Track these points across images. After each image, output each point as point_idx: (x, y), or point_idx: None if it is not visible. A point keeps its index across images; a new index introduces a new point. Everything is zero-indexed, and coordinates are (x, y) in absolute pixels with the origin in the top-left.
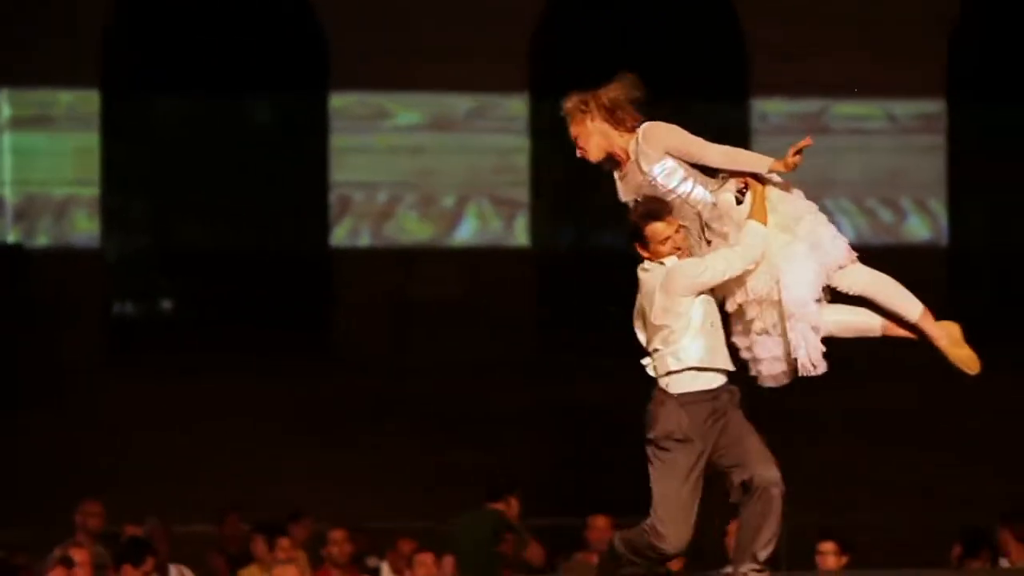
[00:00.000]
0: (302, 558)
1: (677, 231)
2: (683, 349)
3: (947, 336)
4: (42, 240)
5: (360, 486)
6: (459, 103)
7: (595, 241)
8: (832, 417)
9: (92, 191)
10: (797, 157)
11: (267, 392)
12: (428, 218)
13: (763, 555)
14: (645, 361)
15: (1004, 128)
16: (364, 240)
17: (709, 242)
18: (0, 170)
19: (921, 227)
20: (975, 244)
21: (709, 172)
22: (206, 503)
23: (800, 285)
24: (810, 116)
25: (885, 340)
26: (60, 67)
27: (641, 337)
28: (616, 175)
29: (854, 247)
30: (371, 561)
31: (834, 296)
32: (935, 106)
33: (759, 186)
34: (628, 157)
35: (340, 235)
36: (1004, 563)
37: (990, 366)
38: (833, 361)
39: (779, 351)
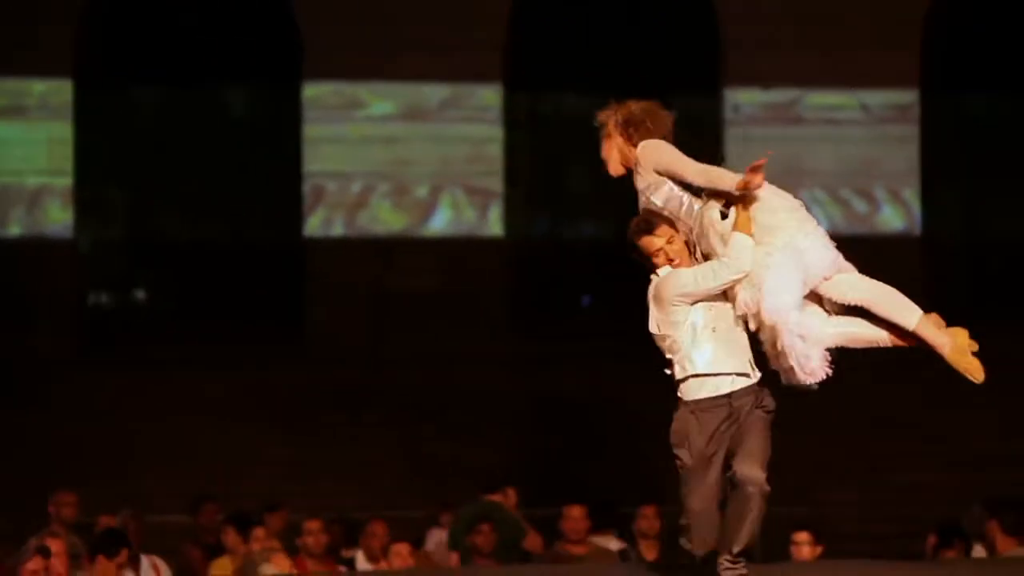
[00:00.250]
0: (277, 548)
1: (669, 242)
2: (687, 357)
3: (951, 344)
4: (15, 230)
5: (336, 477)
6: (433, 93)
7: (569, 230)
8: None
9: (65, 181)
10: (754, 176)
11: (242, 383)
12: (402, 208)
13: (736, 548)
14: (668, 370)
15: (977, 118)
16: (338, 230)
17: (706, 256)
18: None
19: (895, 217)
20: (948, 234)
21: (696, 190)
22: (182, 494)
23: (776, 294)
24: (783, 106)
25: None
26: (33, 57)
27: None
28: None
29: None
30: (346, 552)
31: (841, 308)
32: (908, 96)
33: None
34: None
35: (314, 225)
36: (978, 551)
37: None
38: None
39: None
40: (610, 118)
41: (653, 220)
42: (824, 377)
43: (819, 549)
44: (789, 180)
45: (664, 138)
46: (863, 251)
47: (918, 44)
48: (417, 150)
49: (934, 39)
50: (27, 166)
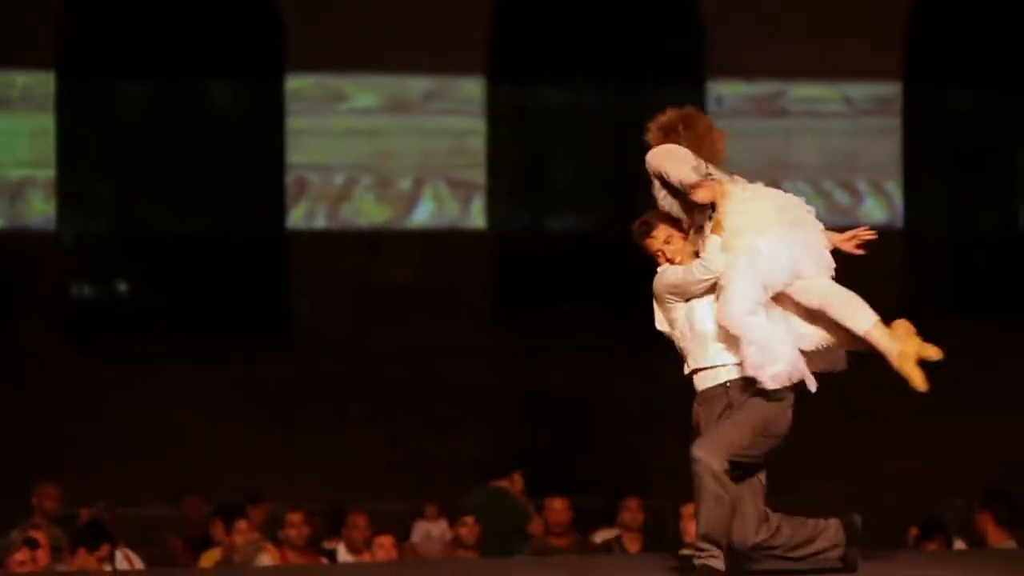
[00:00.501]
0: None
1: (667, 242)
2: (688, 352)
3: (898, 351)
4: None
5: (320, 470)
6: (416, 85)
7: (552, 223)
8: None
9: (48, 173)
10: (696, 190)
11: (225, 376)
12: (385, 200)
13: (700, 531)
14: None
15: (960, 111)
16: (320, 223)
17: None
18: None
19: (877, 209)
20: (931, 227)
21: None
22: (165, 487)
23: (731, 301)
24: (766, 99)
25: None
26: (15, 48)
27: None
28: None
29: None
30: (328, 544)
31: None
32: (891, 89)
33: (720, 201)
34: None
35: (296, 218)
36: (959, 544)
37: (943, 347)
38: None
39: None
40: (651, 131)
41: (651, 222)
42: (788, 383)
43: None
44: (772, 172)
45: (701, 139)
46: None
47: (901, 37)
48: (400, 142)
49: (918, 32)
50: (9, 158)
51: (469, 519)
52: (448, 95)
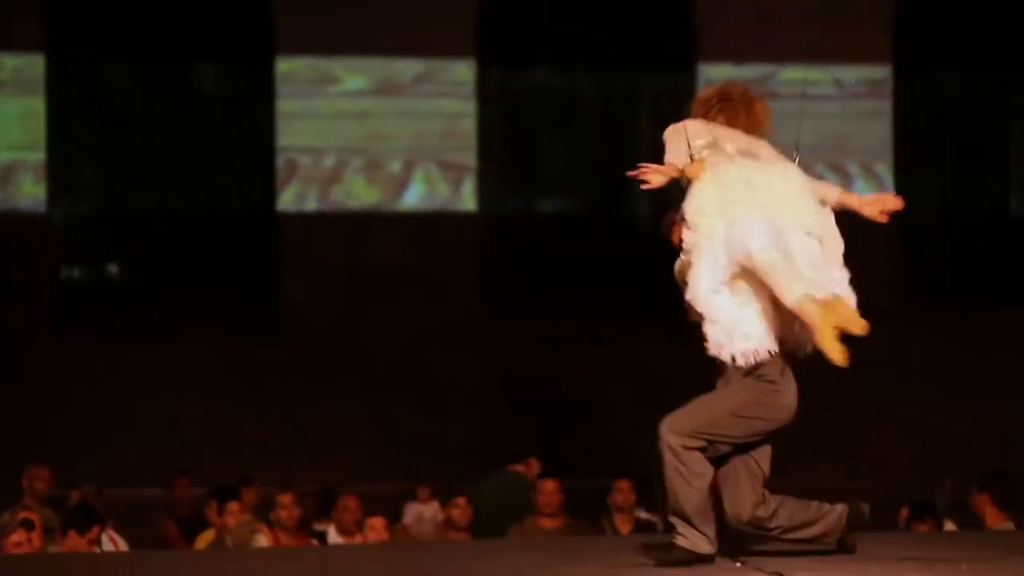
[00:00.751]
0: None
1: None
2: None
3: (819, 324)
4: None
5: (311, 451)
6: (406, 68)
7: (542, 206)
8: None
9: (38, 156)
10: (688, 167)
11: (216, 358)
12: (375, 183)
13: (668, 508)
14: None
15: (950, 94)
16: (311, 205)
17: None
18: None
19: (867, 192)
20: (921, 210)
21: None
22: (156, 468)
23: (695, 279)
24: (756, 81)
25: None
26: (5, 31)
27: None
28: None
29: None
30: (318, 526)
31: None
32: (882, 71)
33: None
34: None
35: (287, 200)
36: (949, 526)
37: (934, 331)
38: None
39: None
40: (692, 107)
41: (670, 217)
42: (752, 362)
43: None
44: None
45: (737, 109)
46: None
47: (891, 20)
48: (390, 125)
49: (908, 15)
50: None
51: (461, 500)
52: (438, 78)
